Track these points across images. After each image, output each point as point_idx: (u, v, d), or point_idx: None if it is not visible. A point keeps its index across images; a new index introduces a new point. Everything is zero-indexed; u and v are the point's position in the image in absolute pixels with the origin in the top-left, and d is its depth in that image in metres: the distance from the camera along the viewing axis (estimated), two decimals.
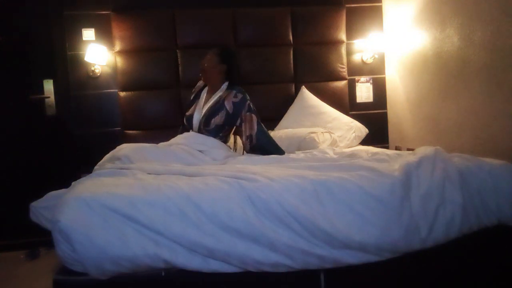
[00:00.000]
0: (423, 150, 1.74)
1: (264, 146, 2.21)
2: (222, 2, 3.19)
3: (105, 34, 3.05)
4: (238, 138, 2.49)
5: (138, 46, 3.06)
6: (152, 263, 1.38)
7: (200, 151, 2.15)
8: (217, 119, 2.26)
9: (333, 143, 2.75)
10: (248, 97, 2.29)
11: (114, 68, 3.06)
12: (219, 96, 2.34)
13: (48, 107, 3.07)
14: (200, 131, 2.31)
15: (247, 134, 2.22)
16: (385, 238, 1.43)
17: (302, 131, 2.75)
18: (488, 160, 1.73)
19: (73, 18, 3.02)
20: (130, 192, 1.44)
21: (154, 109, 3.08)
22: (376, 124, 3.32)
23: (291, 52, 3.24)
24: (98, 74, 3.06)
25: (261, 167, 1.73)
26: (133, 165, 1.82)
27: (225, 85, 2.38)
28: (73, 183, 1.67)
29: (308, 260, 1.41)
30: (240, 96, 2.28)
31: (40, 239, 2.71)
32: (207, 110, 2.32)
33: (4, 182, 3.01)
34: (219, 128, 2.27)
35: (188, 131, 2.41)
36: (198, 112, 2.37)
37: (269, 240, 1.37)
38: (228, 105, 2.26)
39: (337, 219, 1.42)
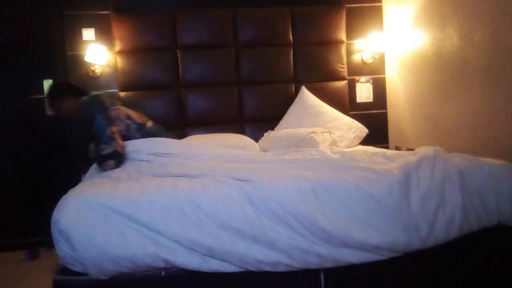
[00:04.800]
0: (423, 150, 1.74)
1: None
2: (222, 2, 3.19)
3: (105, 34, 3.05)
4: None
5: (138, 46, 3.05)
6: (152, 263, 1.38)
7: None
8: None
9: (333, 143, 2.75)
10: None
11: (114, 68, 3.06)
12: None
13: (48, 107, 3.07)
14: None
15: None
16: (384, 237, 1.43)
17: (302, 131, 2.75)
18: (488, 160, 1.73)
19: (73, 18, 3.02)
20: (130, 192, 1.44)
21: (154, 109, 3.06)
22: (376, 124, 3.32)
23: (291, 52, 3.24)
24: (98, 74, 3.06)
25: (261, 167, 1.73)
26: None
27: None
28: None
29: (307, 259, 1.41)
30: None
31: (40, 239, 2.72)
32: None
33: (4, 182, 3.01)
34: None
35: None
36: None
37: (269, 239, 1.38)
38: None
39: (336, 218, 1.43)
